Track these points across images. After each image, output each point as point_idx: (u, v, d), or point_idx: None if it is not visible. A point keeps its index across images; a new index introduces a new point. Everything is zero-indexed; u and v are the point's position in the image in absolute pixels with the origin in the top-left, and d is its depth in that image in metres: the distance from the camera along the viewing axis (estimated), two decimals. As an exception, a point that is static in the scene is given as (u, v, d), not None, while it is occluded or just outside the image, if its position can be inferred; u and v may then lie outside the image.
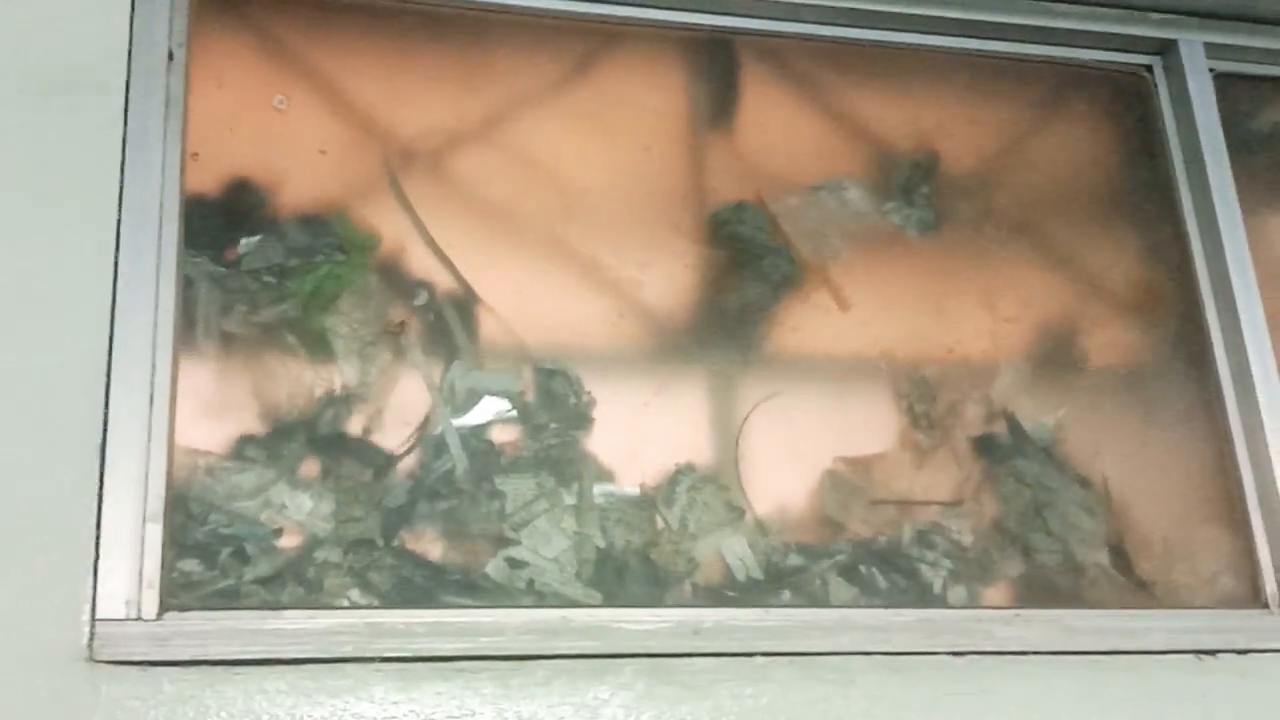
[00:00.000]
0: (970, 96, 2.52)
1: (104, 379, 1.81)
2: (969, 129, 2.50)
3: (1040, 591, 2.17)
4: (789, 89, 2.44)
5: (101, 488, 1.76)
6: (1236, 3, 2.56)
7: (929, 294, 2.34)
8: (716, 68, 2.42)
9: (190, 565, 1.84)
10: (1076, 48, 2.57)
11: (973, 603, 2.13)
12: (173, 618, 1.76)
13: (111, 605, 1.72)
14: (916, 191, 2.41)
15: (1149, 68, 2.60)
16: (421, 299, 2.10)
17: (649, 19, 2.38)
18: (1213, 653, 2.05)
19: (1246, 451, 2.30)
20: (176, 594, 1.80)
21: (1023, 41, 2.54)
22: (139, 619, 1.73)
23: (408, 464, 1.99)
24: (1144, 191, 2.52)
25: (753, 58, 2.44)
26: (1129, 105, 2.59)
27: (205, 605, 1.81)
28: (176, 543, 1.84)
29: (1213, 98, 2.54)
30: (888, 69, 2.50)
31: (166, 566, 1.80)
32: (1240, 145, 2.53)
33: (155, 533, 1.79)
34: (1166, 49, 2.58)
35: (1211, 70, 2.57)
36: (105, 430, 1.78)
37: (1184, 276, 2.44)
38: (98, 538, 1.73)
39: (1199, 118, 2.51)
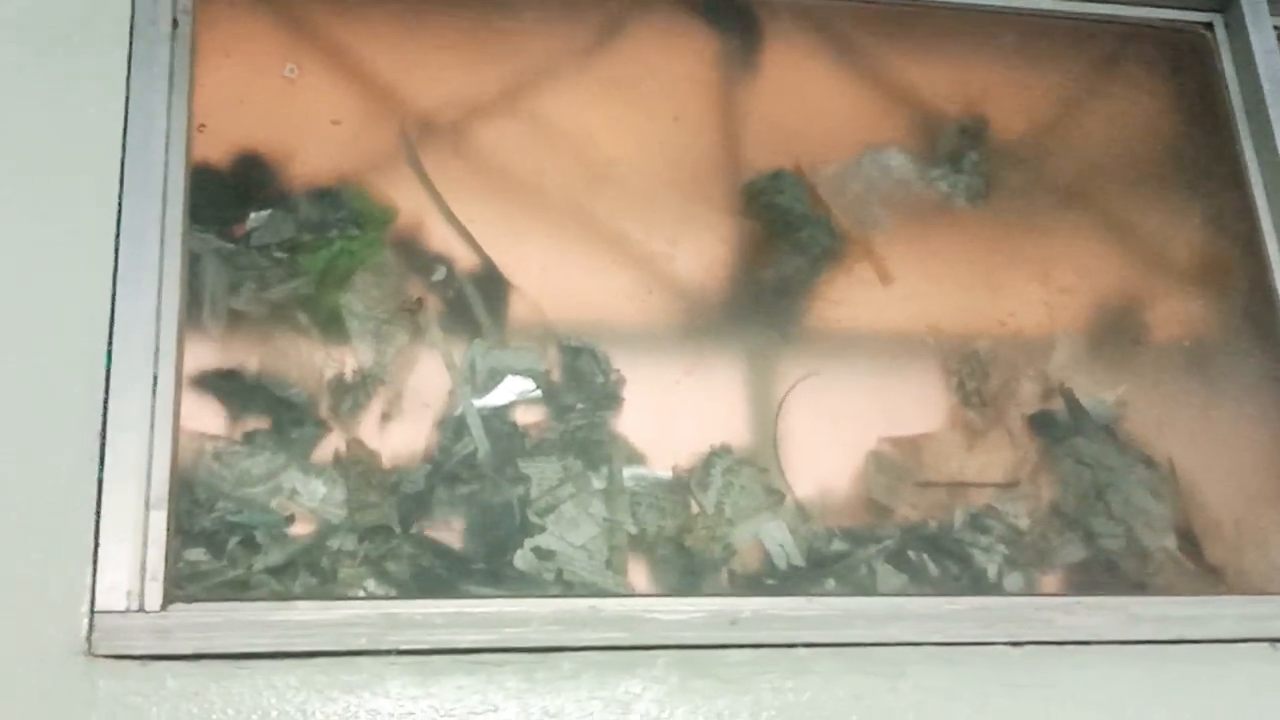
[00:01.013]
0: (1019, 58, 2.42)
1: (104, 360, 1.74)
2: (1019, 92, 2.40)
3: (1102, 578, 2.06)
4: (827, 53, 2.36)
5: (101, 473, 1.69)
6: (1303, -47, 2.45)
7: (979, 265, 2.24)
8: (749, 32, 2.32)
9: (196, 554, 1.76)
10: (1131, 5, 2.47)
11: (1030, 590, 2.02)
12: (177, 609, 1.68)
13: (112, 597, 1.64)
14: (964, 158, 2.31)
15: (1209, 25, 2.48)
16: (441, 275, 2.02)
17: (675, -18, 2.29)
18: (1289, 641, 1.95)
19: (1321, 428, 2.17)
20: (181, 585, 1.73)
21: (1073, -1, 2.43)
22: (141, 610, 1.66)
23: (427, 447, 1.90)
24: (1206, 156, 2.41)
25: (788, 21, 2.35)
26: (1188, 65, 2.48)
27: (212, 596, 1.73)
28: (182, 531, 1.76)
29: (1278, 56, 2.41)
30: (931, 30, 2.40)
31: (171, 556, 1.72)
32: (1309, 105, 2.40)
33: (159, 520, 1.71)
34: (1227, 4, 2.47)
35: (1277, 27, 2.44)
36: (105, 413, 1.72)
37: (1251, 245, 2.33)
38: (97, 526, 1.66)
39: (1264, 77, 2.38)
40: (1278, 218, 2.31)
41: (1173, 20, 2.48)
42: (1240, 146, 2.38)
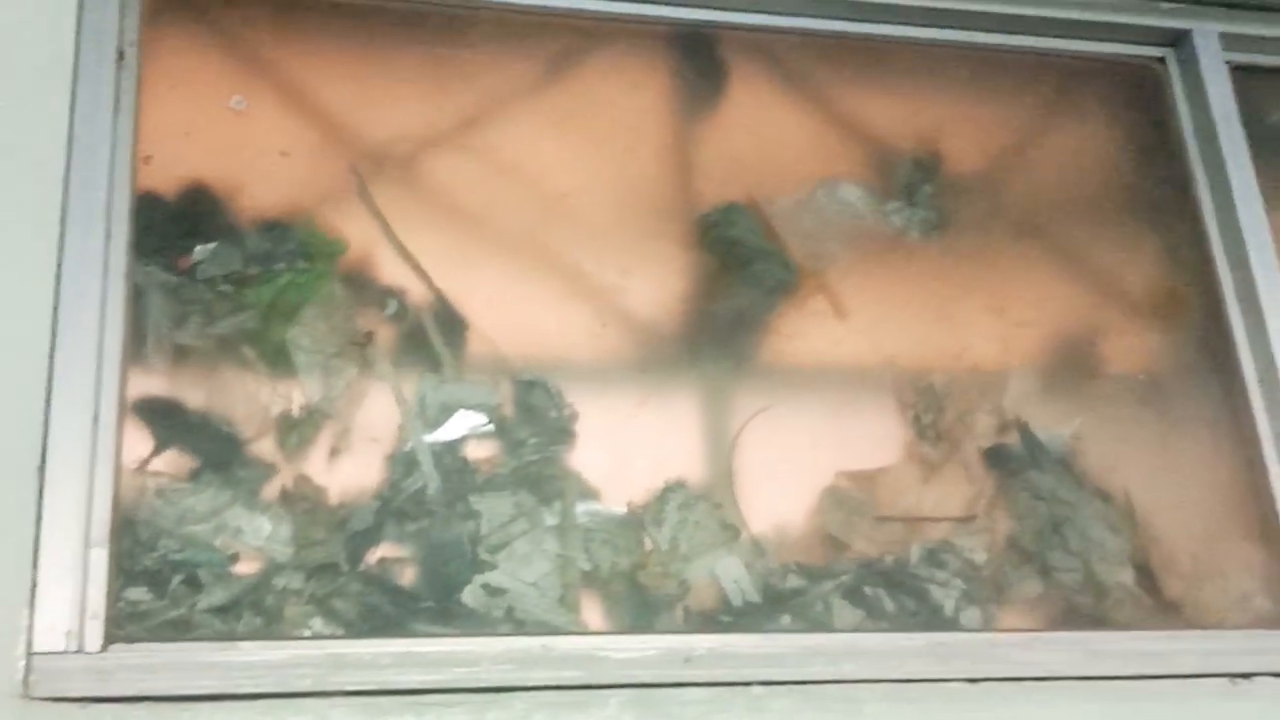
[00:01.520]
0: (974, 92, 2.42)
1: (44, 395, 1.71)
2: (973, 126, 2.40)
3: (1060, 613, 2.04)
4: (781, 86, 2.34)
5: (40, 510, 1.66)
6: (1252, -8, 2.47)
7: (934, 298, 2.23)
8: (703, 65, 2.31)
9: (138, 594, 1.72)
10: (1084, 40, 2.48)
11: (988, 626, 2.00)
12: (118, 650, 1.64)
13: (50, 637, 1.61)
14: (918, 192, 2.30)
15: (1161, 59, 2.50)
16: (391, 308, 1.99)
17: (630, 14, 2.29)
18: (1248, 676, 1.94)
19: (1277, 460, 2.18)
20: (123, 625, 1.68)
21: (1027, 34, 2.45)
22: (80, 651, 1.62)
23: (376, 483, 1.87)
24: (1160, 189, 2.41)
25: (742, 54, 2.34)
26: (1141, 100, 2.49)
27: (154, 637, 1.69)
28: (123, 570, 1.72)
29: (1230, 90, 2.43)
30: (886, 64, 2.40)
31: (112, 595, 1.68)
32: (1260, 139, 2.41)
33: (99, 559, 1.68)
34: (1180, 40, 2.48)
35: (1228, 62, 2.46)
36: (45, 449, 1.68)
37: (1204, 277, 2.33)
38: (35, 564, 1.63)
39: (1216, 111, 2.41)
40: (1230, 250, 2.31)
41: (1125, 55, 2.49)
42: (1193, 180, 2.39)
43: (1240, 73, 2.46)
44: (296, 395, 1.89)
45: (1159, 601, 2.09)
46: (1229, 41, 2.47)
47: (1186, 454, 2.21)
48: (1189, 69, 2.46)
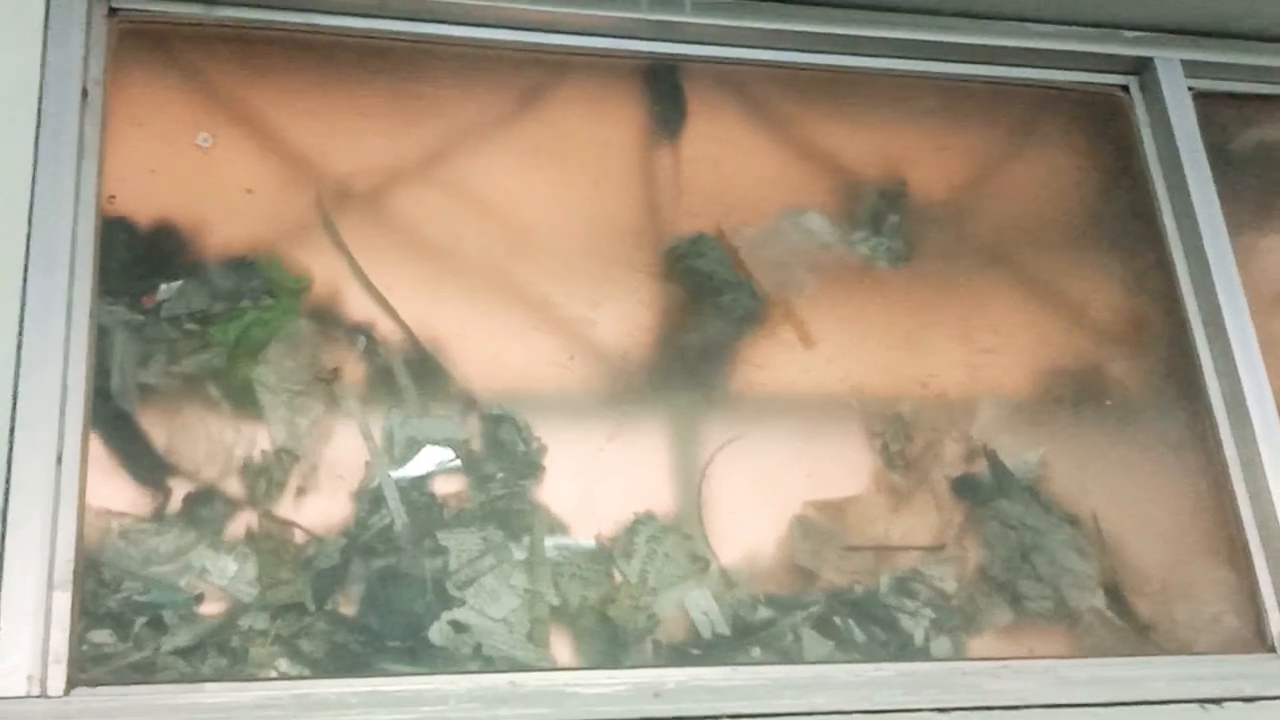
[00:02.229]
0: (939, 122, 2.43)
1: (7, 434, 1.70)
2: (938, 156, 2.41)
3: (1031, 640, 2.04)
4: (748, 118, 2.35)
5: (2, 554, 1.65)
6: (1214, 19, 2.48)
7: (901, 327, 2.23)
8: (670, 97, 2.31)
9: (102, 636, 1.71)
10: (1049, 69, 2.49)
11: (958, 654, 2.00)
12: (81, 694, 1.64)
13: (11, 681, 1.60)
14: (885, 221, 2.31)
15: (1125, 88, 2.52)
16: (357, 344, 1.98)
17: (596, 48, 2.29)
18: (1218, 701, 1.93)
19: (1244, 483, 2.19)
20: (86, 668, 1.68)
21: (992, 64, 2.46)
22: (43, 695, 1.62)
23: (342, 521, 1.86)
24: (1125, 216, 2.42)
25: (708, 86, 2.34)
26: (1106, 127, 2.50)
27: (118, 679, 1.68)
28: (87, 612, 1.71)
29: (1193, 117, 2.45)
30: (851, 95, 2.41)
31: (75, 638, 1.68)
32: (1223, 165, 2.44)
33: (63, 601, 1.68)
34: (1143, 68, 2.50)
35: (1190, 89, 2.48)
36: (7, 491, 1.68)
37: (1170, 302, 2.35)
38: (-3, 608, 1.61)
39: (1179, 138, 2.42)
40: (1196, 276, 2.33)
41: (1089, 83, 2.50)
42: (1158, 206, 2.40)
43: (1203, 99, 2.48)
44: (262, 433, 1.88)
45: (1129, 626, 2.08)
46: (1191, 69, 2.49)
47: (1154, 479, 2.22)
48: (1152, 96, 2.47)
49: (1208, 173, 2.39)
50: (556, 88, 2.27)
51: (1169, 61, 2.48)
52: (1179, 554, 2.17)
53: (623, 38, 2.30)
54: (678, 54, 2.32)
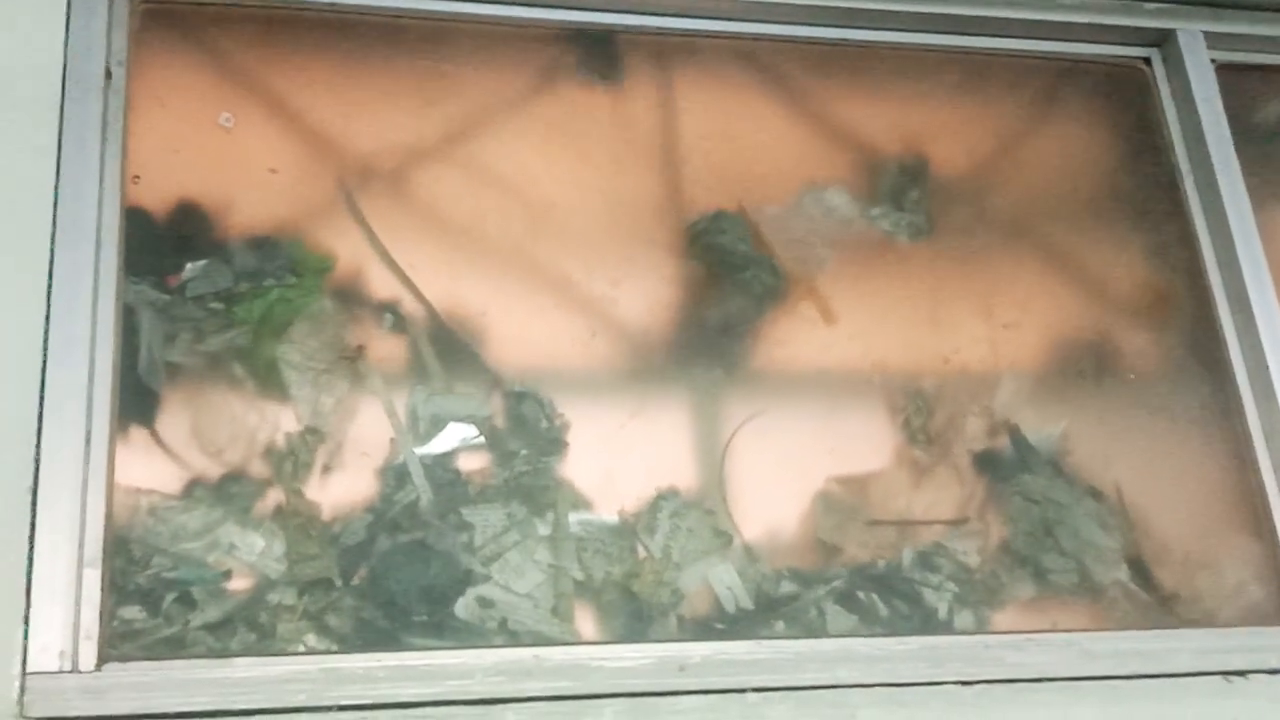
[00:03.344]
0: (959, 96, 2.43)
1: (36, 415, 1.71)
2: (960, 130, 2.41)
3: (1054, 613, 2.04)
4: (768, 93, 2.35)
5: (33, 532, 1.65)
6: (1236, -10, 2.47)
7: (922, 302, 2.23)
8: (689, 73, 2.31)
9: (132, 612, 1.72)
10: (1070, 41, 2.48)
11: (981, 628, 2.00)
12: (112, 669, 1.64)
13: (44, 657, 1.61)
14: (906, 196, 2.31)
15: (1147, 60, 2.50)
16: (381, 322, 1.99)
17: (616, 24, 2.29)
18: (1242, 673, 1.93)
19: (1268, 455, 2.18)
20: (117, 644, 1.69)
21: (1013, 37, 2.45)
22: (75, 671, 1.62)
23: (368, 497, 1.87)
24: (1147, 189, 2.42)
25: (729, 62, 2.34)
26: (1127, 100, 2.49)
27: (148, 655, 1.69)
28: (117, 589, 1.73)
29: (1215, 89, 2.44)
30: (871, 70, 2.41)
31: (106, 614, 1.69)
32: (1247, 138, 2.42)
33: (93, 578, 1.68)
34: (1165, 40, 2.49)
35: (1213, 61, 2.47)
36: (37, 470, 1.69)
37: (1193, 276, 2.34)
38: (29, 585, 1.63)
39: (1202, 110, 2.41)
40: (1219, 248, 2.32)
41: (1110, 56, 2.49)
42: (1180, 178, 2.39)
43: (1226, 71, 2.47)
44: (288, 411, 1.89)
45: (1153, 599, 2.09)
46: (1214, 40, 2.47)
47: (1178, 451, 2.22)
48: (1175, 69, 2.46)
49: (1230, 144, 2.38)
50: (576, 65, 2.27)
51: (1191, 33, 2.47)
52: (1202, 526, 2.17)
53: (643, 14, 2.30)
54: (698, 29, 2.32)
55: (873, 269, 2.25)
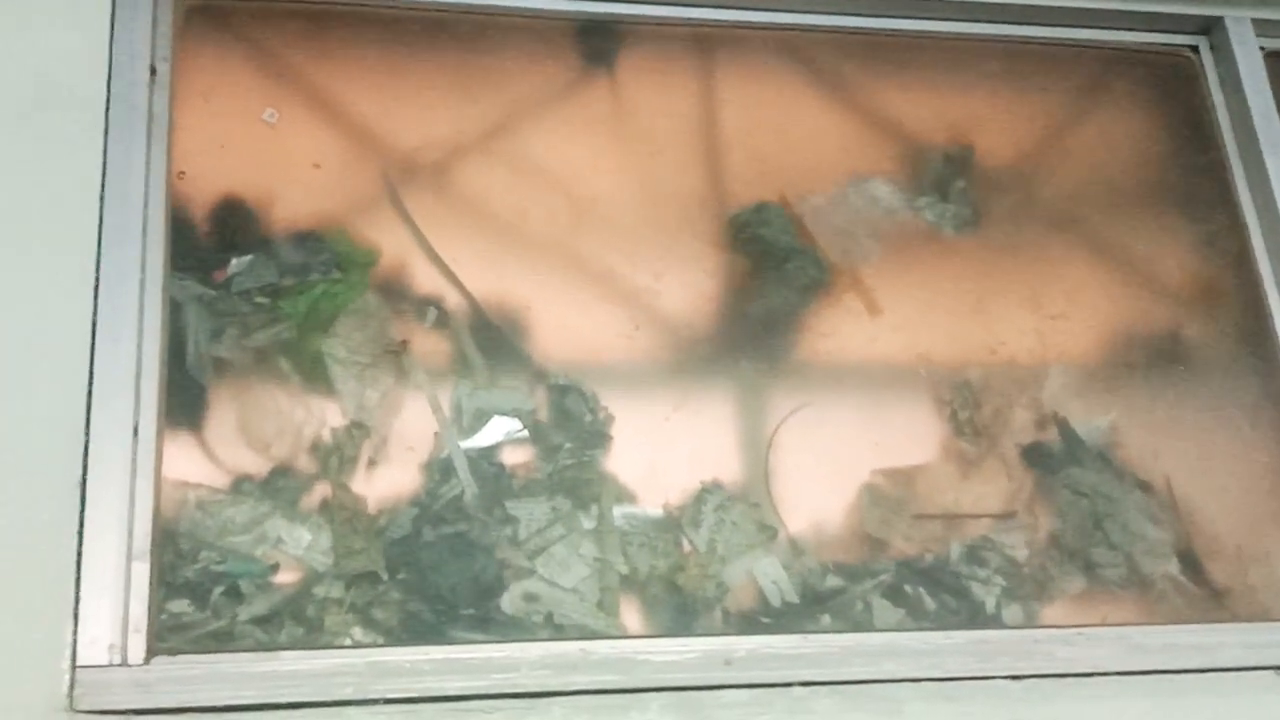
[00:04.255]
0: (1004, 86, 2.41)
1: (84, 410, 1.72)
2: (1004, 120, 2.39)
3: (1104, 608, 2.02)
4: (810, 84, 2.34)
5: (82, 526, 1.66)
6: (1285, -25, 2.44)
7: (968, 293, 2.21)
8: (732, 64, 2.30)
9: (180, 606, 1.73)
10: (1115, 30, 2.45)
11: (1030, 622, 1.99)
12: (161, 662, 1.65)
13: (93, 651, 1.62)
14: (951, 187, 2.29)
15: (1194, 48, 2.47)
16: (425, 316, 1.99)
17: (657, 16, 2.29)
18: (1295, 668, 1.91)
19: (1320, 447, 2.15)
20: (165, 637, 1.69)
21: (1056, 25, 2.43)
22: (124, 664, 1.63)
23: (413, 491, 1.87)
24: (1196, 178, 2.39)
25: (771, 53, 2.33)
26: (1174, 88, 2.46)
27: (196, 648, 1.70)
28: (165, 582, 1.73)
29: (1265, 77, 2.41)
30: (915, 60, 2.39)
31: (154, 608, 1.69)
32: (1298, 126, 2.38)
33: (141, 572, 1.69)
34: (1212, 27, 2.46)
35: (1262, 48, 2.44)
36: (85, 464, 1.69)
37: (1243, 266, 2.31)
38: (78, 579, 1.63)
39: (1251, 99, 2.38)
40: (1269, 236, 2.29)
41: (1157, 44, 2.47)
42: (1229, 167, 2.36)
43: (1274, 59, 2.43)
44: (333, 405, 1.90)
45: (1204, 592, 2.06)
46: (1262, 27, 2.44)
47: (1228, 443, 2.19)
48: (1222, 56, 2.43)
49: (1280, 133, 2.35)
50: (617, 57, 2.27)
51: (1239, 20, 2.44)
52: (1254, 519, 2.14)
53: (683, 5, 2.29)
54: (740, 20, 2.32)
55: (918, 260, 2.23)
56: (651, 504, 1.95)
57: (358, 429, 1.89)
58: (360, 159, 2.10)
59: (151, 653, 1.65)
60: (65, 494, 1.66)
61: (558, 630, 1.81)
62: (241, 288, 1.94)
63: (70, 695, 1.57)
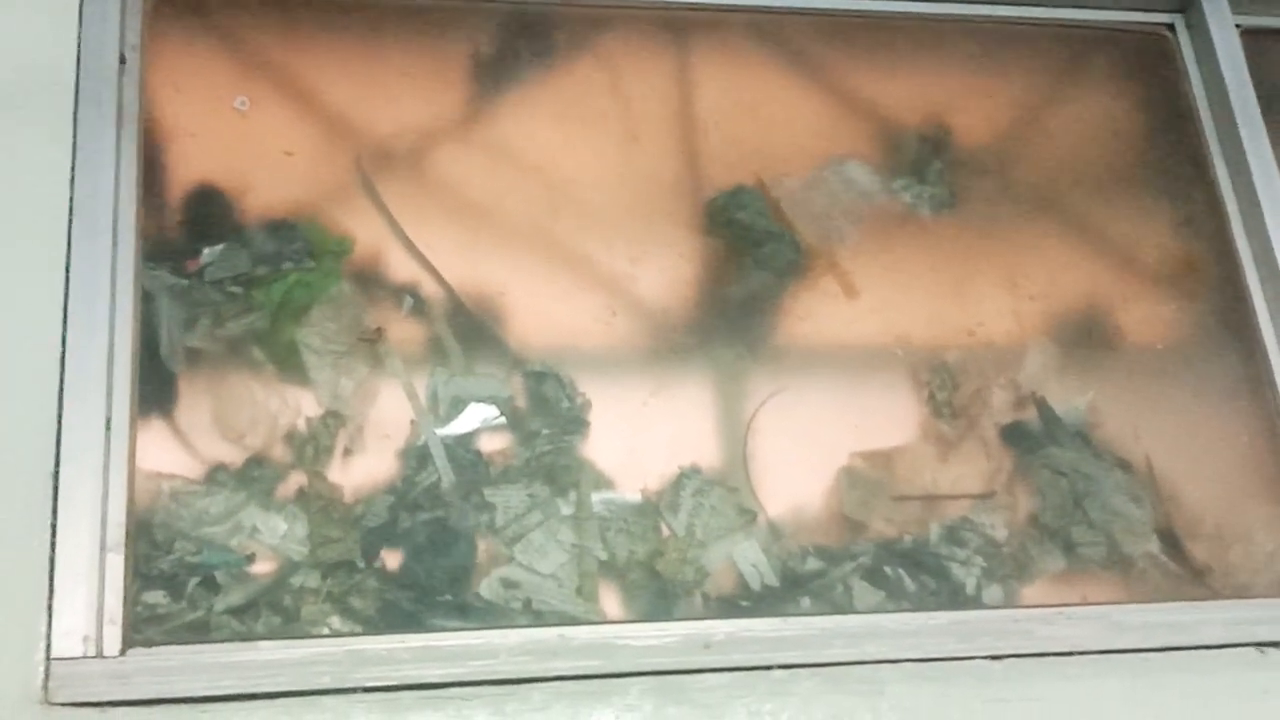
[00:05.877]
0: (980, 66, 2.40)
1: (56, 401, 1.71)
2: (981, 100, 2.38)
3: (1084, 587, 2.02)
4: (786, 67, 2.33)
5: (55, 518, 1.66)
6: (1260, -48, 2.43)
7: (946, 275, 2.21)
8: (706, 47, 2.29)
9: (155, 597, 1.72)
10: (1090, 9, 2.44)
11: (1010, 602, 1.98)
12: (136, 654, 1.64)
13: (68, 643, 1.61)
14: (927, 168, 2.28)
15: (1170, 26, 2.47)
16: (400, 304, 1.98)
17: (632, 0, 2.27)
18: (1276, 644, 1.91)
19: (1299, 425, 2.15)
20: (141, 628, 1.69)
21: (1032, 4, 2.42)
22: (99, 656, 1.62)
23: (389, 479, 1.86)
24: (1173, 158, 2.38)
25: (746, 36, 2.32)
26: (1151, 68, 2.46)
27: (172, 639, 1.69)
28: (140, 574, 1.72)
29: (1241, 55, 2.40)
30: (890, 41, 2.38)
31: (129, 599, 1.68)
32: (1273, 103, 2.38)
33: (116, 563, 1.68)
34: (1188, 5, 2.45)
35: (1238, 26, 2.43)
36: (58, 456, 1.68)
37: (1221, 245, 2.31)
38: (52, 571, 1.63)
39: (1227, 77, 2.37)
40: (1246, 215, 2.29)
41: (1133, 22, 2.46)
42: (1206, 146, 2.36)
43: (1250, 36, 2.42)
44: (308, 394, 1.89)
45: (1184, 570, 2.06)
46: (1238, 5, 2.43)
47: (1207, 422, 2.19)
48: (1199, 34, 2.43)
49: (1257, 111, 2.33)
50: (592, 43, 2.26)
51: (1215, -2, 2.44)
52: (1233, 497, 2.14)
53: (658, -11, 2.29)
54: (715, 3, 2.31)
55: (895, 242, 2.23)
56: (630, 489, 1.94)
57: (333, 418, 1.88)
58: (333, 146, 2.08)
59: (127, 644, 1.64)
60: (38, 486, 1.65)
61: (537, 616, 1.80)
62: (214, 277, 1.92)
63: (45, 688, 1.56)
